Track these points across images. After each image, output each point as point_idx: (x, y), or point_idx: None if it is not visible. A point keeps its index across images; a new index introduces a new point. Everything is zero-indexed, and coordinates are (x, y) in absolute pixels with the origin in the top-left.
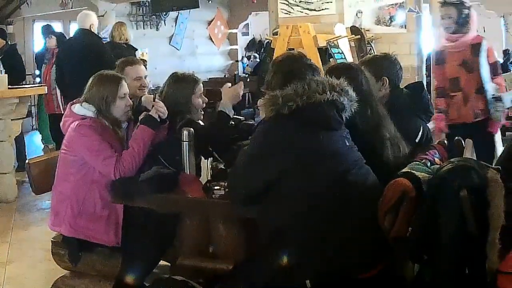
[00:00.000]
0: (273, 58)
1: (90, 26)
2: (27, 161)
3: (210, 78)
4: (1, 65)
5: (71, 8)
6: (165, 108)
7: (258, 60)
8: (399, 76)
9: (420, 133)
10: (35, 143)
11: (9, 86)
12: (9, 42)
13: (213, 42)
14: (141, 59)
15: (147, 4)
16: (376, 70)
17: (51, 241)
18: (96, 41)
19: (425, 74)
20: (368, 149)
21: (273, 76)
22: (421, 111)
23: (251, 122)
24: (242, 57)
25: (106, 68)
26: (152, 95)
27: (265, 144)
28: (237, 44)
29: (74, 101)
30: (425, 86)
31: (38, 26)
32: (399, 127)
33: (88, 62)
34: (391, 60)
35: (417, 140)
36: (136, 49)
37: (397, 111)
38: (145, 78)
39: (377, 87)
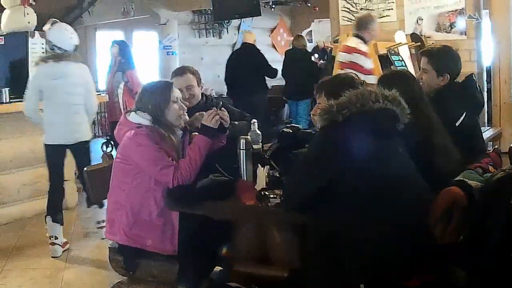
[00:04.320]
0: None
1: (254, 41)
2: (85, 169)
3: (273, 85)
4: None
5: (133, 16)
6: (228, 117)
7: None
8: (459, 71)
9: (462, 117)
10: (98, 151)
11: None
12: None
13: (276, 49)
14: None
15: (209, 12)
16: (439, 65)
17: (109, 247)
18: (261, 54)
19: (486, 80)
20: (419, 157)
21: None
22: (467, 101)
23: (308, 130)
24: None
25: (268, 73)
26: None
27: (319, 149)
28: None
29: (128, 109)
30: (474, 78)
31: (100, 35)
32: (440, 111)
33: (258, 69)
34: (454, 56)
35: (457, 124)
36: (312, 54)
37: (442, 98)
38: (187, 89)
39: (436, 81)
